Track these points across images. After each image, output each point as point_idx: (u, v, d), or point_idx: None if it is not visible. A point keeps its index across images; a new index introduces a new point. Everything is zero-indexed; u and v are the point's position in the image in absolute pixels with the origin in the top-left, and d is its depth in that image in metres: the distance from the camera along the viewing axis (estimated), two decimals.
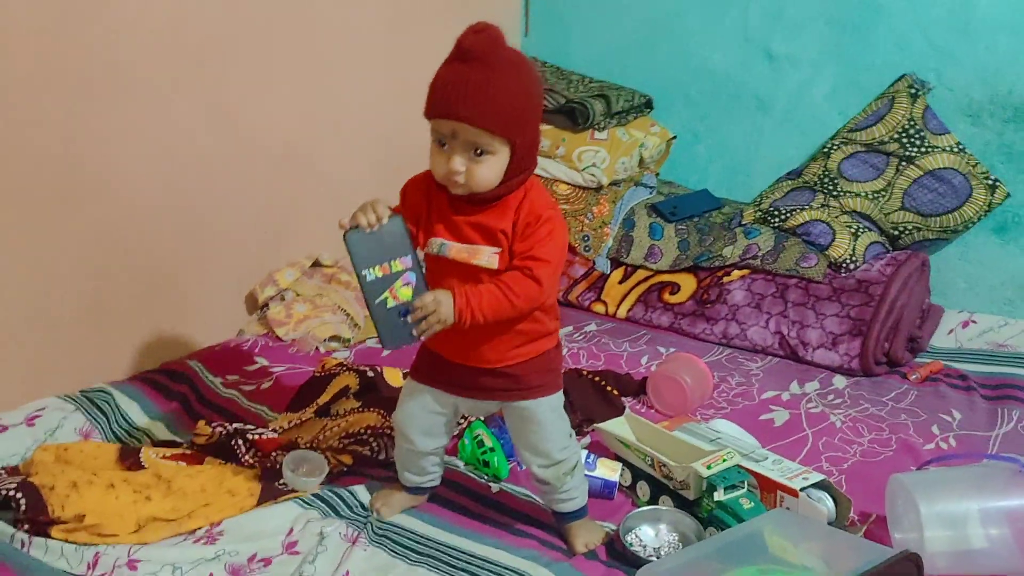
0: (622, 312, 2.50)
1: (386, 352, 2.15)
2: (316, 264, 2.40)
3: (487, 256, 1.31)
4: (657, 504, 1.57)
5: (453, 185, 1.30)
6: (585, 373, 2.01)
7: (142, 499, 1.47)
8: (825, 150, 2.58)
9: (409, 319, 1.27)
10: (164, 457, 1.61)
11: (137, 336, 2.05)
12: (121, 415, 1.81)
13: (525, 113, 1.28)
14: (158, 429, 1.80)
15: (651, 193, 2.75)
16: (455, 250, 1.33)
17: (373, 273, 1.27)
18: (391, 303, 1.28)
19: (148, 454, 1.62)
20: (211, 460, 1.62)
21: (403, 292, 1.28)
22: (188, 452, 1.65)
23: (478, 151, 1.26)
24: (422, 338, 1.31)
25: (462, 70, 1.24)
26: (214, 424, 1.76)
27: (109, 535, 1.42)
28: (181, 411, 1.86)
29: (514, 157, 1.28)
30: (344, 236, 1.29)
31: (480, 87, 1.22)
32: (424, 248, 1.36)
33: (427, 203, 1.37)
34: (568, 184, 2.66)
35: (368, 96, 2.47)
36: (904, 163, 2.46)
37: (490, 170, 1.28)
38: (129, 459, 1.61)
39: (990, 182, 2.39)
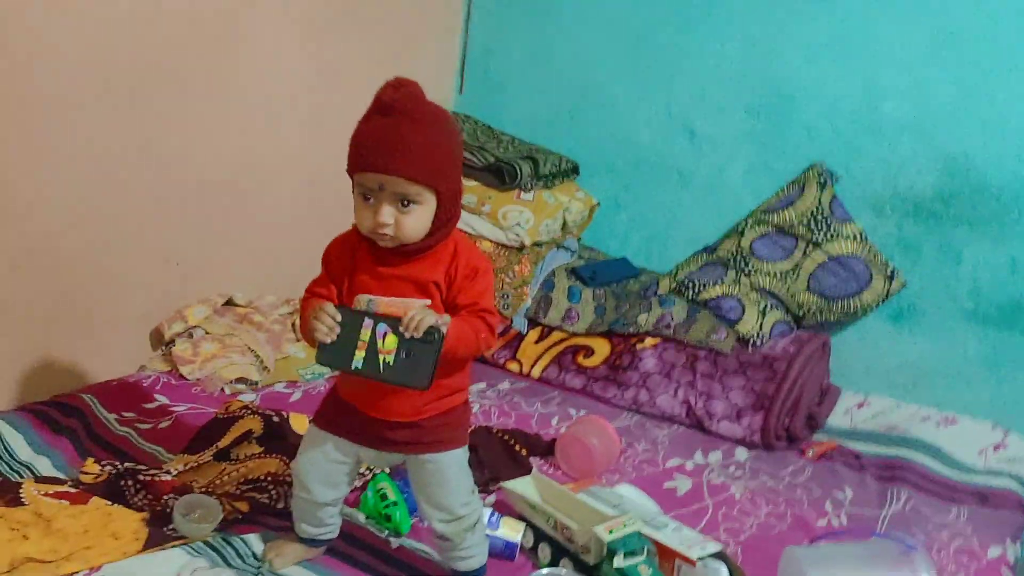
0: (536, 372, 2.52)
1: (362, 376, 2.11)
2: (229, 303, 2.35)
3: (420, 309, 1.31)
4: (558, 567, 1.56)
5: (381, 238, 1.30)
6: (495, 431, 2.01)
7: (18, 537, 1.39)
8: (739, 229, 2.69)
9: (406, 353, 1.26)
10: (47, 494, 1.53)
11: (29, 364, 1.95)
12: (3, 446, 1.71)
13: (448, 163, 1.30)
14: (42, 464, 1.70)
15: (572, 256, 2.80)
16: (384, 304, 1.32)
17: (359, 359, 1.27)
18: (390, 359, 1.27)
19: (29, 490, 1.53)
20: (97, 500, 1.54)
21: (388, 342, 1.27)
22: (73, 490, 1.57)
23: (405, 202, 1.27)
24: (437, 344, 1.26)
25: (385, 124, 1.26)
26: (103, 462, 1.69)
27: None
28: (69, 447, 1.77)
29: (440, 206, 1.30)
30: (320, 361, 1.31)
31: (405, 140, 1.24)
32: (353, 307, 1.35)
33: (352, 262, 1.37)
34: (492, 241, 2.68)
35: (291, 143, 2.47)
36: (811, 247, 2.58)
37: (418, 220, 1.29)
38: (8, 495, 1.51)
39: (889, 272, 2.53)
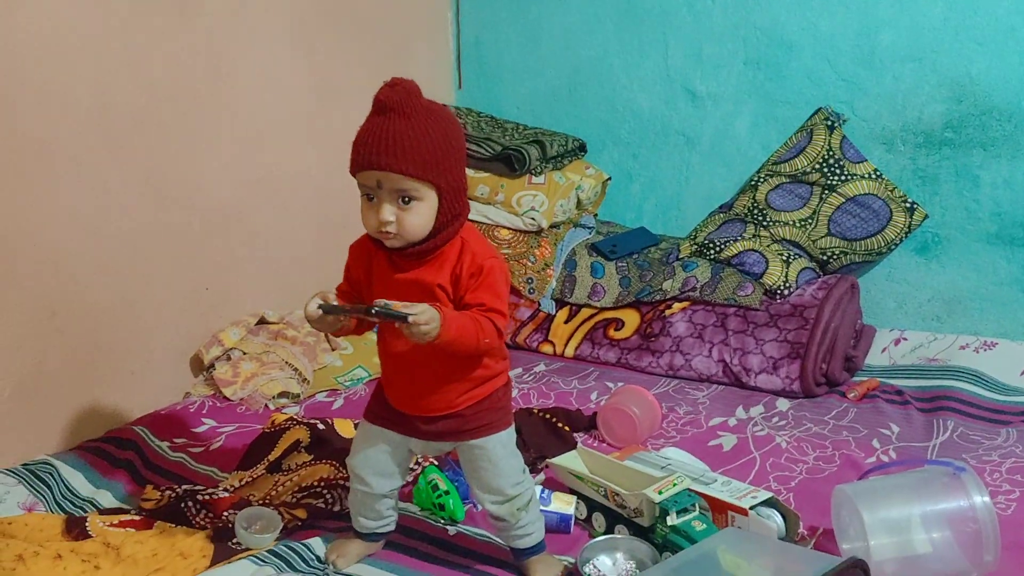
0: (569, 351, 2.54)
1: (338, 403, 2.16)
2: (262, 321, 2.39)
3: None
4: (613, 534, 1.59)
5: (386, 237, 1.33)
6: (536, 411, 2.04)
7: (91, 568, 1.44)
8: (752, 183, 2.69)
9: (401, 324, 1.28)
10: (112, 525, 1.58)
11: (79, 406, 2.01)
12: (65, 486, 1.77)
13: (446, 157, 1.31)
14: (104, 498, 1.76)
15: (590, 233, 2.82)
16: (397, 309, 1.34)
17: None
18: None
19: (95, 522, 1.58)
20: (161, 524, 1.59)
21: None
22: (137, 518, 1.62)
23: (405, 199, 1.29)
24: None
25: (380, 122, 1.28)
26: (162, 488, 1.74)
27: None
28: (128, 478, 1.82)
29: (442, 202, 1.32)
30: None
31: (399, 135, 1.27)
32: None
33: (368, 268, 1.40)
34: (509, 229, 2.71)
35: (300, 158, 2.51)
36: (827, 191, 2.57)
37: (419, 216, 1.31)
38: (75, 529, 1.57)
39: (908, 205, 2.51)
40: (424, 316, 1.25)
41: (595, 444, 1.98)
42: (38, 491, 1.73)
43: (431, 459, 1.79)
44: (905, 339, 2.47)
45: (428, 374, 1.38)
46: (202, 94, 2.21)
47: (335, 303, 1.35)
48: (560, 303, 2.64)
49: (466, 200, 1.38)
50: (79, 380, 2.00)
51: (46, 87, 1.86)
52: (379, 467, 1.48)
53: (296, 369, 2.24)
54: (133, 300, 2.10)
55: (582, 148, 2.91)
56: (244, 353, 2.26)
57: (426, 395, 1.40)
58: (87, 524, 1.58)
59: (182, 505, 1.65)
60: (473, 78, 3.06)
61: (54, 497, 1.73)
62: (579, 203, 2.82)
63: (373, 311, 1.27)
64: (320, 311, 1.33)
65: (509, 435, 1.47)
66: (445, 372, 1.38)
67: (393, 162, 1.26)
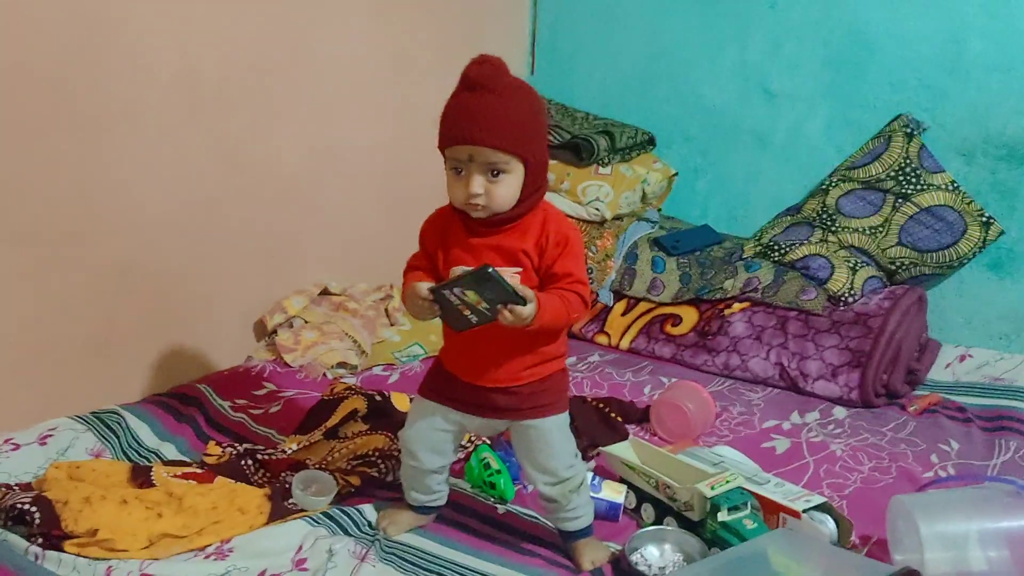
0: (625, 344, 2.54)
1: (392, 378, 2.20)
2: (324, 292, 2.44)
3: (508, 277, 1.35)
4: (662, 525, 1.59)
5: (473, 209, 1.35)
6: (589, 400, 2.04)
7: (154, 516, 1.49)
8: (823, 187, 2.64)
9: (488, 293, 1.29)
10: (175, 476, 1.63)
11: (148, 361, 2.08)
12: (132, 436, 1.83)
13: (534, 132, 1.35)
14: (168, 450, 1.82)
15: (653, 228, 2.80)
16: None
17: (471, 316, 1.33)
18: (485, 305, 1.31)
19: (160, 472, 1.64)
20: (222, 479, 1.64)
21: (471, 296, 1.31)
22: (199, 471, 1.67)
23: (495, 172, 1.32)
24: (489, 272, 1.28)
25: (471, 98, 1.31)
26: (224, 445, 1.79)
27: (121, 550, 1.43)
28: (191, 433, 1.88)
29: (528, 175, 1.34)
30: (456, 330, 1.37)
31: (491, 110, 1.29)
32: (448, 278, 1.39)
33: (443, 237, 1.43)
34: (573, 218, 2.71)
35: (372, 131, 2.53)
36: (900, 200, 2.52)
37: (508, 189, 1.33)
38: (141, 477, 1.62)
39: (984, 219, 2.45)
40: (530, 305, 1.29)
41: (647, 437, 1.98)
42: (106, 438, 1.80)
43: (484, 438, 1.81)
44: (971, 356, 2.41)
45: (495, 345, 1.40)
46: (281, 64, 2.25)
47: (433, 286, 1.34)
48: (618, 295, 2.64)
49: (547, 175, 1.40)
50: (147, 336, 2.07)
51: (134, 52, 1.92)
52: (431, 443, 1.50)
53: (355, 341, 2.28)
54: (203, 263, 2.16)
55: (651, 141, 2.89)
56: (306, 322, 2.30)
57: (491, 366, 1.42)
58: (151, 473, 1.63)
59: (241, 463, 1.70)
60: (546, 64, 3.06)
61: (120, 446, 1.80)
62: (644, 196, 2.81)
63: (489, 270, 1.26)
64: (430, 292, 1.33)
65: (565, 418, 1.48)
66: (511, 344, 1.39)
67: (486, 136, 1.29)
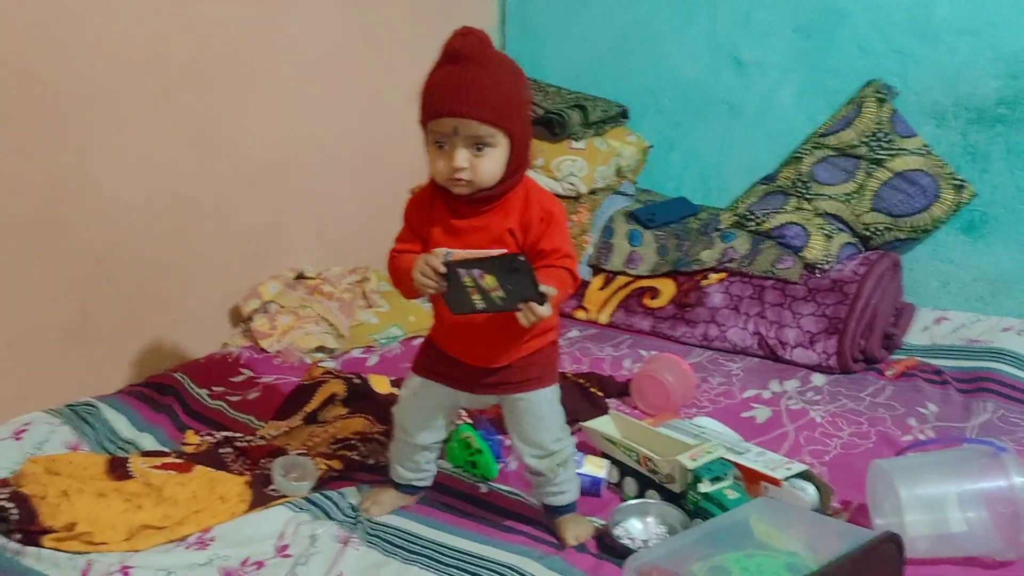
0: (603, 318, 2.54)
1: (371, 361, 2.19)
2: (300, 277, 2.42)
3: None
4: (644, 498, 1.59)
5: (456, 184, 1.33)
6: (569, 375, 2.04)
7: (133, 507, 1.48)
8: (797, 155, 2.64)
9: (510, 283, 1.26)
10: (154, 466, 1.62)
11: (122, 351, 2.06)
12: (108, 428, 1.81)
13: (519, 106, 1.33)
14: (146, 441, 1.80)
15: (629, 201, 2.80)
16: (460, 256, 1.35)
17: (478, 301, 1.29)
18: (501, 293, 1.27)
19: (137, 463, 1.62)
20: (201, 468, 1.62)
21: (489, 281, 1.28)
22: (178, 461, 1.65)
23: (479, 146, 1.30)
24: (525, 265, 1.26)
25: (455, 70, 1.28)
26: (203, 433, 1.77)
27: (100, 543, 1.42)
28: (168, 423, 1.86)
29: (513, 150, 1.33)
30: (453, 312, 1.33)
31: (476, 82, 1.27)
32: None
33: (429, 217, 1.40)
34: None
35: (345, 114, 2.51)
36: (874, 166, 2.53)
37: (493, 163, 1.32)
38: (118, 469, 1.60)
39: (957, 182, 2.46)
40: (547, 306, 1.27)
41: (628, 411, 1.98)
42: (82, 431, 1.77)
43: (465, 417, 1.80)
44: (947, 319, 2.43)
45: (490, 326, 1.38)
46: (253, 48, 2.22)
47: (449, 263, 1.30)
48: (596, 270, 2.63)
49: (529, 152, 1.39)
50: (123, 326, 2.04)
51: (103, 35, 1.88)
52: (424, 419, 1.50)
53: (332, 324, 2.26)
54: (177, 250, 2.13)
55: (624, 114, 2.88)
56: (281, 307, 2.28)
57: (486, 347, 1.41)
58: (129, 465, 1.62)
59: (220, 451, 1.69)
60: (516, 39, 3.03)
61: (97, 438, 1.77)
62: (619, 170, 2.80)
63: (520, 259, 1.23)
64: (444, 267, 1.29)
65: (554, 391, 1.48)
66: (507, 325, 1.37)
67: (472, 108, 1.27)
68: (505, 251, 1.33)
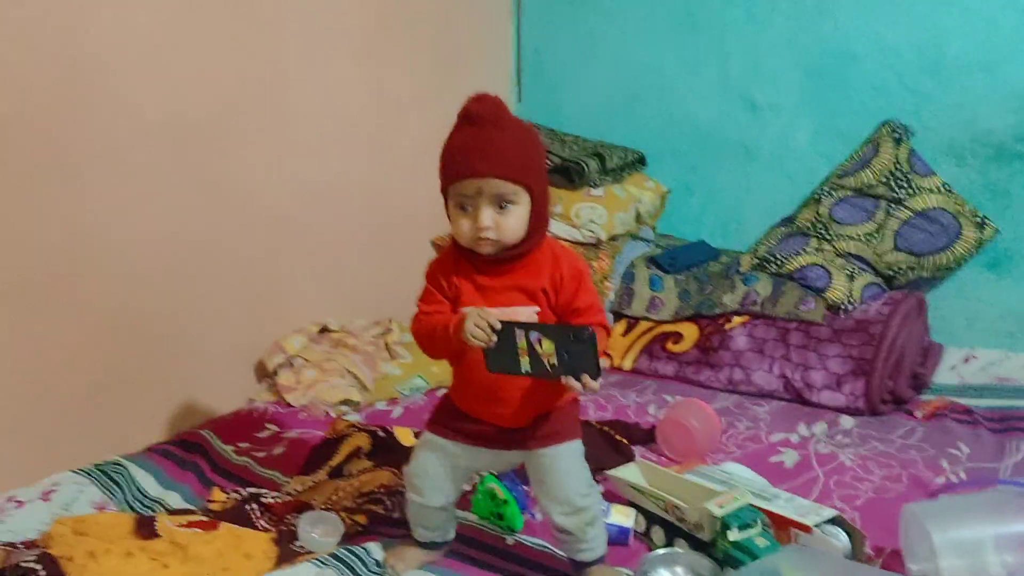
0: (627, 364, 2.53)
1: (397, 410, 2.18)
2: (324, 330, 2.44)
3: (526, 316, 1.36)
4: (673, 547, 1.57)
5: (482, 244, 1.35)
6: (594, 423, 2.03)
7: (160, 567, 1.47)
8: (815, 196, 2.65)
9: (566, 354, 1.26)
10: (180, 525, 1.62)
11: (148, 409, 2.07)
12: (136, 487, 1.82)
13: (538, 163, 1.37)
14: (173, 499, 1.81)
15: (649, 246, 2.81)
16: (505, 317, 1.33)
17: (525, 363, 1.29)
18: (554, 360, 1.27)
19: (164, 522, 1.62)
20: (227, 525, 1.62)
21: (547, 347, 1.28)
22: (204, 519, 1.65)
23: (503, 204, 1.33)
24: (591, 339, 1.26)
25: (475, 132, 1.32)
26: (228, 490, 1.78)
27: None
28: (195, 480, 1.87)
29: (534, 206, 1.35)
30: (490, 369, 1.33)
31: (496, 142, 1.31)
32: None
33: (456, 278, 1.41)
34: (568, 240, 2.71)
35: (357, 164, 2.54)
36: (893, 205, 2.52)
37: (517, 220, 1.34)
38: (145, 528, 1.60)
39: (978, 220, 2.45)
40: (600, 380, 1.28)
41: (654, 457, 1.96)
42: (109, 491, 1.78)
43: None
44: (975, 357, 2.40)
45: (516, 387, 1.38)
46: (267, 104, 2.26)
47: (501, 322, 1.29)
48: (618, 316, 2.63)
49: (550, 206, 1.42)
50: (146, 382, 2.05)
51: (118, 93, 1.91)
52: (436, 479, 1.49)
53: (357, 377, 2.27)
54: (197, 305, 2.15)
55: (641, 160, 2.90)
56: (306, 360, 2.30)
57: (510, 408, 1.40)
58: (156, 524, 1.62)
59: (246, 507, 1.69)
60: (532, 91, 3.08)
61: (124, 497, 1.78)
62: (638, 216, 2.81)
63: (589, 332, 1.23)
64: (501, 324, 1.28)
65: (578, 445, 1.47)
66: (533, 386, 1.38)
67: (495, 168, 1.30)
68: (566, 324, 1.32)
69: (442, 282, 1.42)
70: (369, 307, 2.56)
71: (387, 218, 2.62)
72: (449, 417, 1.47)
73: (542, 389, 1.38)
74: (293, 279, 2.40)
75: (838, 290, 2.39)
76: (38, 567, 1.42)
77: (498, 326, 1.29)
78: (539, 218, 1.37)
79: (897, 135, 2.53)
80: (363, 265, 2.58)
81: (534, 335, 1.27)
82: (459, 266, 1.41)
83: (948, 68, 2.45)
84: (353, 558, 1.55)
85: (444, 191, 1.37)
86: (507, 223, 1.33)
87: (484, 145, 1.31)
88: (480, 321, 1.29)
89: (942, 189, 2.48)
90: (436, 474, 1.49)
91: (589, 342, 1.25)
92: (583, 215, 2.69)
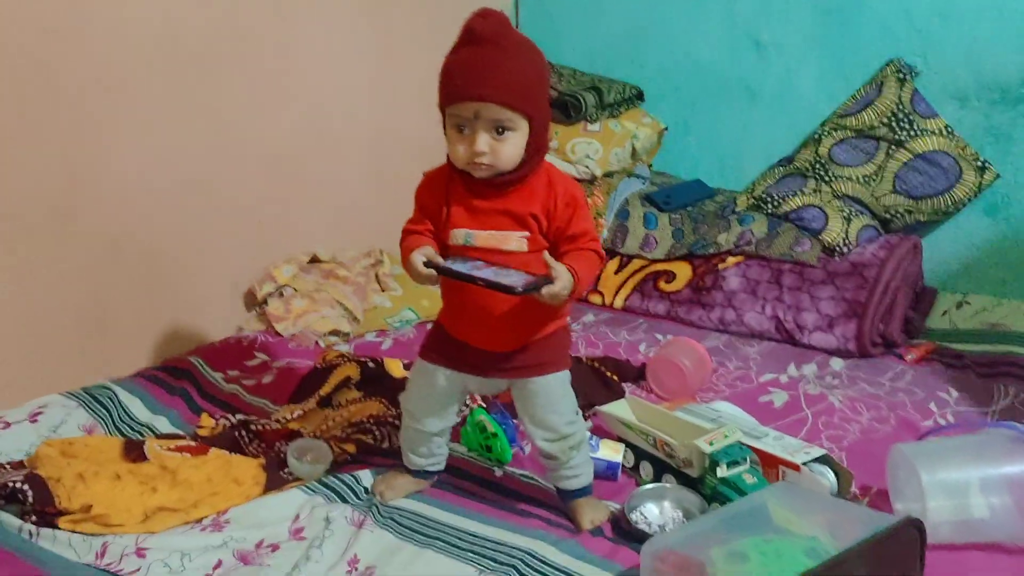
0: (619, 302, 2.52)
1: (386, 344, 2.18)
2: (314, 260, 2.41)
3: (515, 241, 1.35)
4: (661, 482, 1.58)
5: (477, 168, 1.32)
6: (585, 359, 2.03)
7: (148, 490, 1.48)
8: (816, 136, 2.61)
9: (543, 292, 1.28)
10: (169, 449, 1.62)
11: (138, 335, 2.06)
12: (124, 411, 1.81)
13: (539, 89, 1.32)
14: (161, 424, 1.80)
15: (644, 184, 2.77)
16: (482, 238, 1.35)
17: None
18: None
19: (153, 446, 1.62)
20: (216, 451, 1.62)
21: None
22: (193, 444, 1.65)
23: (500, 130, 1.29)
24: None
25: (476, 52, 1.27)
26: (218, 417, 1.78)
27: (116, 525, 1.42)
28: (183, 406, 1.86)
29: (532, 134, 1.31)
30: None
31: (498, 66, 1.26)
32: (449, 241, 1.38)
33: (445, 198, 1.39)
34: None
35: (355, 99, 2.50)
36: (894, 147, 2.49)
37: (514, 147, 1.30)
38: (134, 452, 1.61)
39: (979, 164, 2.42)
40: (564, 282, 1.28)
41: (643, 395, 1.97)
42: (98, 414, 1.77)
43: (479, 401, 1.79)
44: (968, 303, 2.39)
45: (502, 310, 1.37)
46: (265, 34, 2.21)
47: (441, 261, 1.32)
48: (611, 253, 2.61)
49: (548, 136, 1.38)
50: (137, 310, 2.04)
51: (115, 21, 1.87)
52: (433, 406, 1.48)
53: (346, 308, 2.25)
54: (190, 235, 2.12)
55: (639, 96, 2.85)
56: (296, 290, 2.28)
57: (498, 332, 1.40)
58: (145, 447, 1.62)
59: (235, 434, 1.69)
60: (531, 22, 3.00)
61: (113, 421, 1.78)
62: (634, 152, 2.77)
63: (521, 289, 1.25)
64: (432, 271, 1.31)
65: (566, 375, 1.47)
66: (519, 308, 1.37)
67: (493, 93, 1.26)
68: (499, 282, 1.30)
69: (428, 201, 1.41)
70: (362, 238, 2.54)
71: (382, 149, 2.58)
72: (441, 343, 1.47)
73: (531, 310, 1.36)
74: (287, 208, 2.37)
75: (834, 232, 2.37)
76: (25, 487, 1.42)
77: (434, 275, 1.32)
78: (537, 145, 1.33)
79: (902, 75, 2.48)
80: (357, 196, 2.55)
81: (480, 281, 1.29)
82: (451, 186, 1.38)
83: (957, 8, 2.39)
84: (341, 485, 1.56)
85: (442, 110, 1.33)
86: (503, 150, 1.30)
87: (484, 68, 1.26)
88: (420, 267, 1.31)
89: (944, 131, 2.45)
90: (432, 400, 1.49)
91: (481, 283, 1.26)
92: (579, 150, 2.65)
